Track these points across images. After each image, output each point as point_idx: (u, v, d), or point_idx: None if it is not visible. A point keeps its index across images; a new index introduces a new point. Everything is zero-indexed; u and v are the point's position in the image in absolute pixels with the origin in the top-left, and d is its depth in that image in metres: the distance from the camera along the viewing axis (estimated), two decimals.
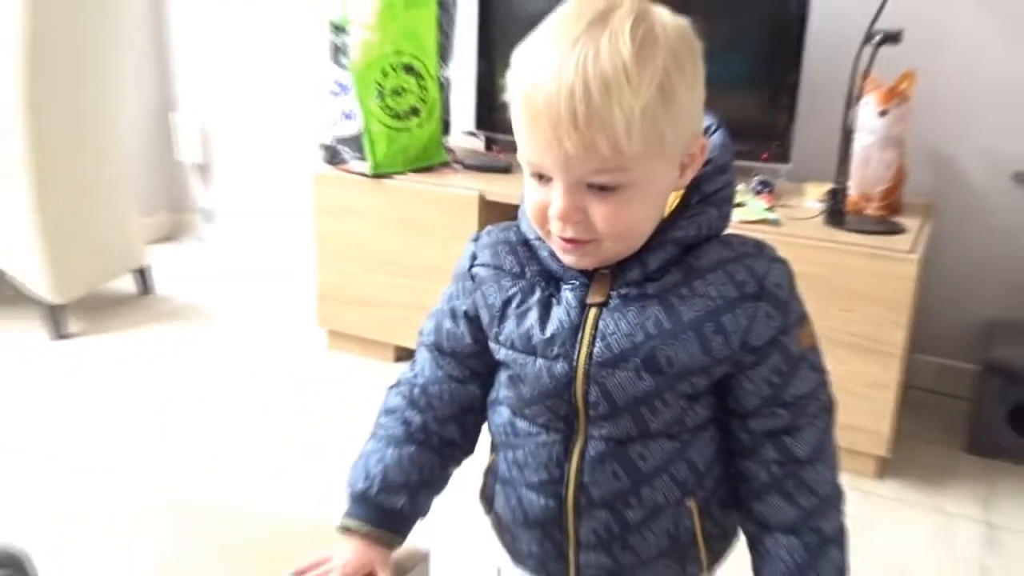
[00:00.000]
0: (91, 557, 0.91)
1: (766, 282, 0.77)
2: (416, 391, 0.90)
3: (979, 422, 2.16)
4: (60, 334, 2.68)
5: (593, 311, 0.78)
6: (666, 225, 0.78)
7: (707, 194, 0.79)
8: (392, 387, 0.93)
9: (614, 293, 0.78)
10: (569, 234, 0.74)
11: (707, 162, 0.79)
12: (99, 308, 2.94)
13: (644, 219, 0.76)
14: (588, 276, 0.79)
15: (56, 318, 2.67)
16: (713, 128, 0.82)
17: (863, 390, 1.98)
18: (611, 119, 0.69)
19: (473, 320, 0.86)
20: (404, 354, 2.57)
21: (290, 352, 2.67)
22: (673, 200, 0.80)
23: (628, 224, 0.75)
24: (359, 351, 2.62)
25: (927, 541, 1.85)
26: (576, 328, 0.78)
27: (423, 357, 0.92)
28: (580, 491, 0.81)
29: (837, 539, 0.82)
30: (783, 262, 0.81)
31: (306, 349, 2.69)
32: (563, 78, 0.69)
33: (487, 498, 0.92)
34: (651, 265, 0.78)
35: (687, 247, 0.79)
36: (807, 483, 0.80)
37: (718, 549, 0.88)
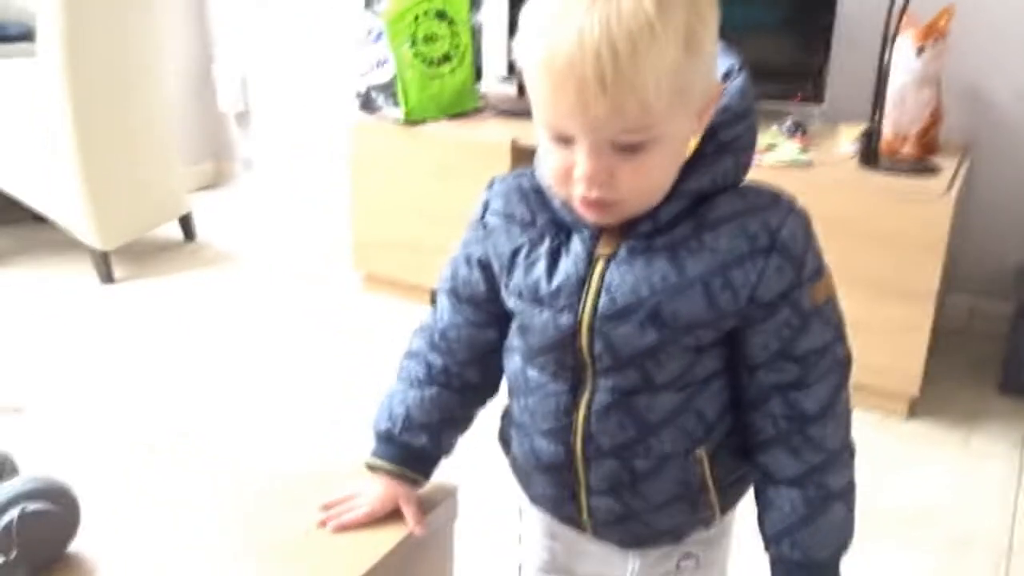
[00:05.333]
0: (131, 490, 0.96)
1: (779, 235, 0.74)
2: (436, 336, 0.92)
3: (1014, 362, 2.15)
4: (108, 279, 2.77)
5: (600, 263, 0.77)
6: (679, 175, 0.75)
7: (724, 142, 0.76)
8: (416, 330, 0.95)
9: (623, 245, 0.77)
10: (595, 195, 0.72)
11: (725, 108, 0.76)
12: (145, 254, 3.02)
13: (668, 174, 0.74)
14: (598, 226, 0.77)
15: (104, 263, 2.76)
16: (736, 70, 0.79)
17: (894, 330, 1.98)
18: (641, 80, 0.66)
19: (486, 267, 0.86)
20: None
21: (327, 295, 2.74)
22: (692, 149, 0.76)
23: (653, 182, 0.73)
24: (395, 294, 2.67)
25: (957, 480, 1.87)
26: (582, 280, 0.77)
27: (442, 302, 0.93)
28: (588, 440, 0.81)
29: (843, 495, 0.80)
30: (800, 213, 0.77)
31: (343, 293, 2.75)
32: (587, 41, 0.66)
33: (505, 441, 0.94)
34: (662, 217, 0.76)
35: (701, 198, 0.76)
36: (813, 439, 0.79)
37: (732, 494, 0.87)
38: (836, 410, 0.80)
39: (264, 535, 0.89)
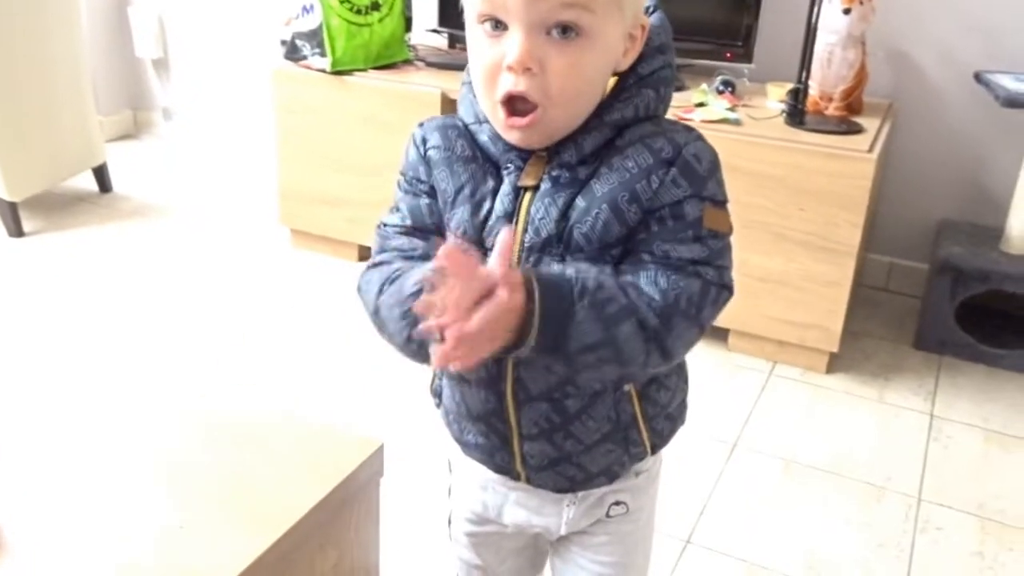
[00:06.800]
0: (41, 447, 0.93)
1: (684, 151, 0.75)
2: (395, 266, 0.80)
3: (927, 319, 2.23)
4: (17, 232, 2.65)
5: (527, 197, 0.77)
6: (603, 107, 0.77)
7: (643, 76, 0.78)
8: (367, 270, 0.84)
9: (545, 176, 0.77)
10: (522, 87, 0.71)
11: (644, 43, 0.78)
12: (58, 206, 2.91)
13: (593, 81, 0.75)
14: (524, 160, 0.78)
15: (12, 216, 2.64)
16: (651, 9, 0.81)
17: (816, 288, 2.03)
18: None
19: (436, 196, 0.82)
20: (367, 253, 2.56)
21: (253, 251, 2.67)
22: (613, 85, 0.79)
23: (580, 83, 0.73)
24: (322, 250, 2.62)
25: (874, 433, 1.93)
26: (510, 215, 0.77)
27: (399, 242, 0.84)
28: (517, 385, 0.81)
29: (644, 332, 0.71)
30: (709, 145, 0.78)
31: (269, 248, 2.68)
32: None
33: (435, 392, 0.93)
34: (586, 148, 0.77)
35: (620, 129, 0.78)
36: (652, 294, 0.73)
37: (662, 431, 0.89)
38: (690, 311, 0.74)
39: (184, 488, 0.87)
